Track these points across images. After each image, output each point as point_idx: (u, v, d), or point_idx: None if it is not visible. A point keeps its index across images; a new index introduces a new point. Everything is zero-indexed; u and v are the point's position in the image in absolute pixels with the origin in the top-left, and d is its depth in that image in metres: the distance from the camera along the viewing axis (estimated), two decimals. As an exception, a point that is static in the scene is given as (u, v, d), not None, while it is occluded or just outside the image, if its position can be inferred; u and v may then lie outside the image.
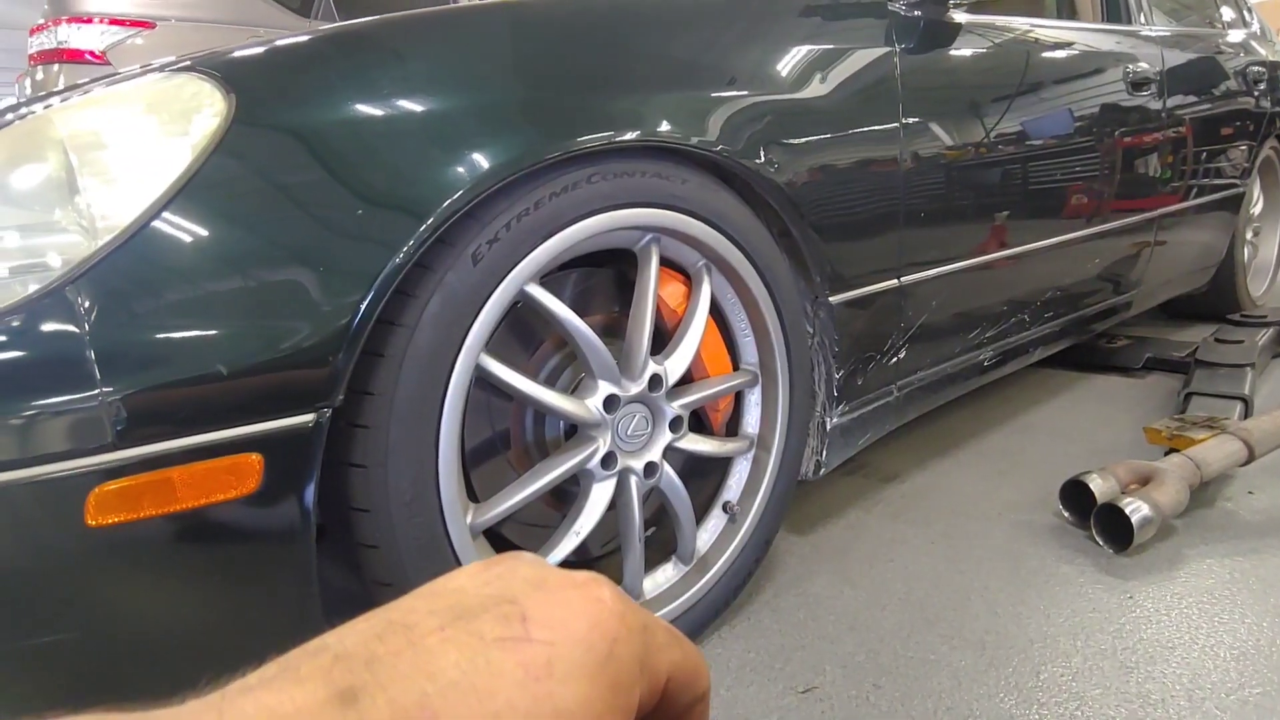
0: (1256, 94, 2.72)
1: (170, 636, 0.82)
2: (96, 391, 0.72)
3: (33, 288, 0.73)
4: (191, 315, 0.76)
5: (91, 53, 3.20)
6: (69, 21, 3.20)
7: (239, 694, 0.21)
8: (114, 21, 3.22)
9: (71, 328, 0.72)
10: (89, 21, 3.20)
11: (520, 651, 0.23)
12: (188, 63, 0.86)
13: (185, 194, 0.77)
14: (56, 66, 3.25)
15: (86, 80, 0.93)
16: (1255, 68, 2.75)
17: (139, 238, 0.76)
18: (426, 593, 0.25)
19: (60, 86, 3.22)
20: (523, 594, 0.24)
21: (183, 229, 0.77)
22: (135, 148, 0.80)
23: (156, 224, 0.76)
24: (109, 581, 0.77)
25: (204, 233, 0.78)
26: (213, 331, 0.77)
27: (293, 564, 0.83)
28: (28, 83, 3.37)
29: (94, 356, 0.72)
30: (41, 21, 3.30)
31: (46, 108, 0.84)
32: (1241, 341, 2.37)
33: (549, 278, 1.08)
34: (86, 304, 0.73)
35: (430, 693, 0.21)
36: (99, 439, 0.72)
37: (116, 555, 0.75)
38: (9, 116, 0.89)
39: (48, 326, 0.72)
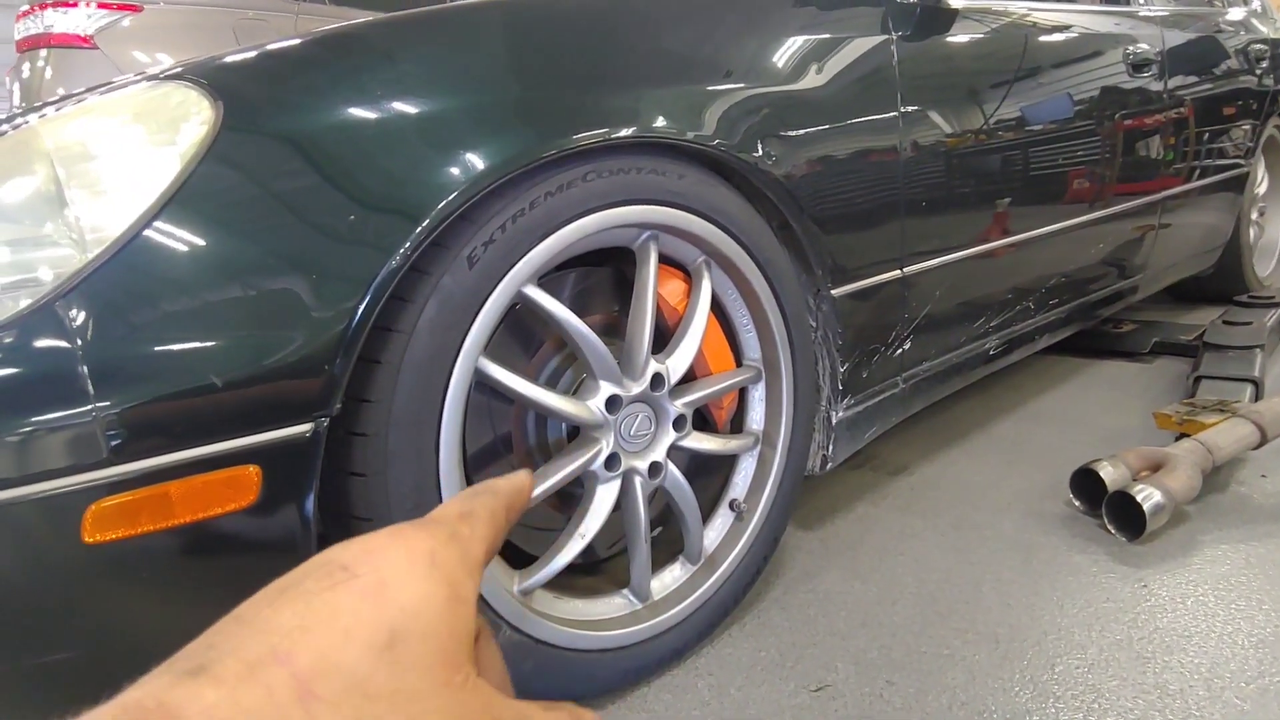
0: (1259, 72, 2.70)
1: (173, 654, 0.81)
2: (90, 407, 0.71)
3: (24, 303, 0.72)
4: (185, 326, 0.75)
5: (79, 37, 3.13)
6: (55, 6, 3.13)
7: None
8: (101, 5, 3.15)
9: (63, 343, 0.71)
10: (74, 5, 3.14)
11: (351, 586, 0.24)
12: (175, 71, 0.85)
13: (175, 203, 0.76)
14: (44, 53, 3.17)
15: (81, 90, 0.91)
16: (1257, 46, 2.72)
17: (129, 249, 0.74)
18: (233, 615, 0.27)
19: (48, 75, 3.14)
20: (336, 554, 0.27)
21: (174, 239, 0.76)
22: (123, 158, 0.79)
23: (147, 235, 0.75)
24: (109, 599, 0.76)
25: (195, 242, 0.77)
26: (206, 342, 0.75)
27: (295, 575, 0.82)
28: (16, 88, 3.30)
29: (87, 371, 0.71)
30: (27, 7, 3.21)
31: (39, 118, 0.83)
32: (1250, 323, 2.34)
33: (547, 278, 1.06)
34: (78, 318, 0.72)
35: (277, 642, 0.22)
36: (94, 455, 0.71)
37: (116, 572, 0.74)
38: (4, 127, 0.88)
39: (39, 342, 0.71)
